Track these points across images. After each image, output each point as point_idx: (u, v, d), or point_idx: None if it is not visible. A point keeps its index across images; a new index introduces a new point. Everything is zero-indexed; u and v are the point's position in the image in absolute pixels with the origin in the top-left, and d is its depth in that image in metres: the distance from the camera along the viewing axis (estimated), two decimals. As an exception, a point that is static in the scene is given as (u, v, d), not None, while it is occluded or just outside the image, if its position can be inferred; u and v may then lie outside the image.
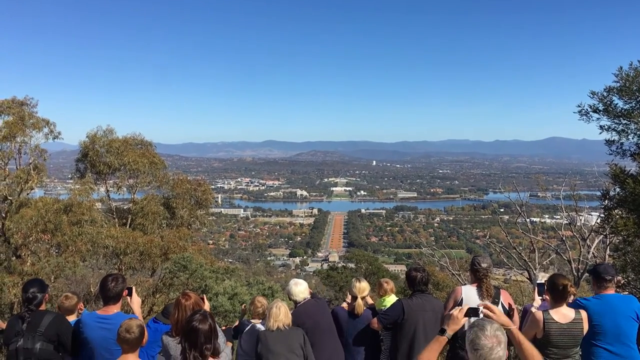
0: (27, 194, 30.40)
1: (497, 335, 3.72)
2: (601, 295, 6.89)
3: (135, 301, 7.18)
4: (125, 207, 35.37)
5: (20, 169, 29.84)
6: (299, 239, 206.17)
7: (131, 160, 32.43)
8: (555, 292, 6.62)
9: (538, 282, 8.32)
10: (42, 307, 6.98)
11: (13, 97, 30.55)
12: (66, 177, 72.00)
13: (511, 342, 4.17)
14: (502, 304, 7.02)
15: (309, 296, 8.42)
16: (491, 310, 4.29)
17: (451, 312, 4.39)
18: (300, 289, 8.37)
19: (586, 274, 17.33)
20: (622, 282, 12.72)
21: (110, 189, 34.48)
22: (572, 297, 6.82)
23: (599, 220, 18.42)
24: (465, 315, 4.31)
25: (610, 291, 6.91)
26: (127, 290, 6.92)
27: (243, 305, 12.54)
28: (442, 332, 4.31)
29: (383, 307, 8.64)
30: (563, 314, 6.55)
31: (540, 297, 7.69)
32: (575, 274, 17.90)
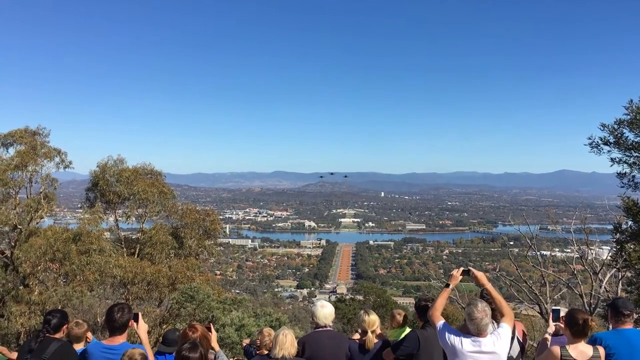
0: (37, 223, 30.54)
1: (485, 310, 6.08)
2: (618, 330, 6.75)
3: (142, 328, 7.12)
4: (133, 237, 35.37)
5: (30, 197, 30.03)
6: (307, 270, 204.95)
7: (141, 190, 32.55)
8: (575, 327, 6.49)
9: (553, 308, 8.25)
10: (59, 335, 7.00)
11: (26, 126, 30.95)
12: (76, 206, 72.35)
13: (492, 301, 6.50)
14: (517, 336, 7.10)
15: (331, 324, 8.22)
16: (474, 272, 6.85)
17: (452, 272, 7.03)
18: (326, 312, 8.03)
19: (599, 309, 17.06)
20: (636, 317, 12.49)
21: (120, 218, 34.56)
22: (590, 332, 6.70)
23: (610, 254, 18.21)
24: (462, 274, 6.97)
25: (628, 326, 6.77)
26: (133, 317, 6.89)
27: (245, 340, 12.31)
28: (447, 285, 6.94)
29: (396, 339, 8.47)
30: (581, 351, 6.39)
31: (555, 323, 7.58)
32: (588, 308, 17.61)
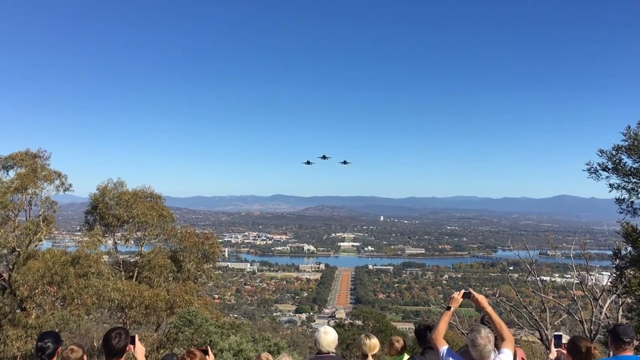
0: (36, 246, 30.44)
1: (489, 336, 6.13)
2: (619, 357, 6.73)
3: (139, 350, 7.09)
4: (132, 260, 35.24)
5: (29, 220, 29.99)
6: (306, 294, 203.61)
7: (140, 213, 32.53)
8: (578, 355, 6.49)
9: (555, 333, 8.25)
10: None
11: (27, 149, 31.04)
12: (74, 228, 72.22)
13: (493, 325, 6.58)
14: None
15: (334, 350, 8.12)
16: (474, 295, 6.91)
17: (453, 294, 7.11)
18: (329, 340, 7.79)
19: (599, 335, 16.96)
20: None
21: (118, 241, 34.48)
22: None
23: (610, 280, 18.16)
24: (462, 297, 7.06)
25: (629, 353, 6.76)
26: (130, 340, 6.87)
27: None
28: (449, 308, 6.99)
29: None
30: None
31: (556, 349, 7.58)
32: (588, 334, 17.50)
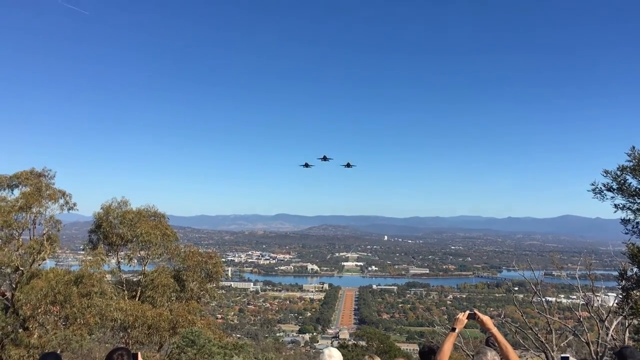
0: (39, 265, 30.45)
1: (495, 359, 6.28)
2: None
3: (142, 370, 7.05)
4: (135, 279, 35.19)
5: (33, 239, 30.04)
6: (309, 314, 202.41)
7: (144, 232, 32.55)
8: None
9: (562, 355, 8.27)
10: None
11: (32, 168, 31.23)
12: (78, 247, 72.25)
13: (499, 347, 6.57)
14: None
15: None
16: (479, 316, 6.94)
17: (458, 315, 7.13)
18: None
19: (606, 357, 16.79)
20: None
21: (122, 260, 34.46)
22: None
23: (617, 301, 18.03)
24: (467, 318, 7.07)
25: (635, 376, 6.70)
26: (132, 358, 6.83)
27: None
28: (454, 329, 7.00)
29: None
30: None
31: None
32: (595, 357, 17.33)
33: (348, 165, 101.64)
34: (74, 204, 31.78)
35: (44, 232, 30.36)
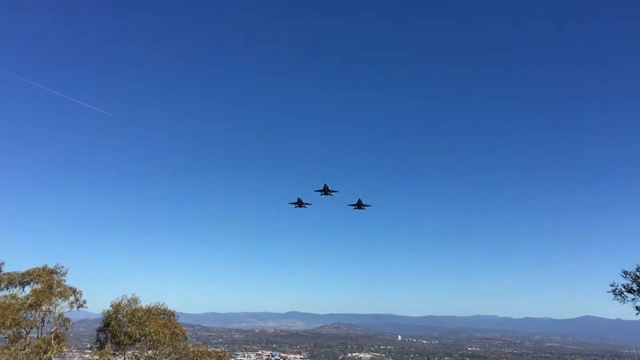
0: (45, 365, 29.79)
1: None
2: None
3: None
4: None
5: (41, 338, 29.64)
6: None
7: (153, 331, 32.06)
8: None
9: None
10: None
11: (44, 265, 31.42)
12: (85, 346, 71.02)
13: None
14: None
15: None
16: None
17: None
18: None
19: None
20: None
21: (129, 360, 33.66)
22: None
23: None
24: None
25: None
26: None
27: None
28: None
29: None
30: None
31: None
32: None
33: (359, 206, 79.43)
34: (84, 302, 31.69)
35: (52, 330, 30.04)
